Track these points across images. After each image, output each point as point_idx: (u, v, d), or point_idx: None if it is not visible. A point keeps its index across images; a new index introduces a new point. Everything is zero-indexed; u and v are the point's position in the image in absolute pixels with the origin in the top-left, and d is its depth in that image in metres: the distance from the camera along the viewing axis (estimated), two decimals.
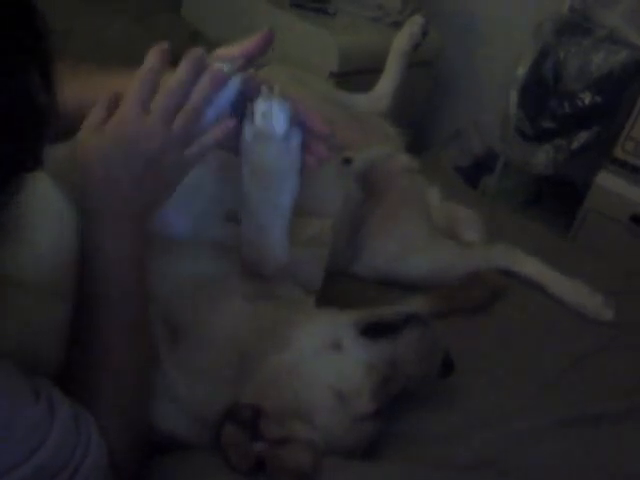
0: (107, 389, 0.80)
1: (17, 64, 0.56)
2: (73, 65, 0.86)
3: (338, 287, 1.22)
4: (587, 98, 1.95)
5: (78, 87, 0.88)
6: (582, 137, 1.99)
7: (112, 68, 0.93)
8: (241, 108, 0.87)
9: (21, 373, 0.70)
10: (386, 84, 1.65)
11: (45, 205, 0.87)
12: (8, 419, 0.65)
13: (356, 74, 1.95)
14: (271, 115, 0.87)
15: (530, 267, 1.44)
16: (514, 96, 2.06)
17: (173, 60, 0.89)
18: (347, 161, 1.37)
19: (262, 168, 0.90)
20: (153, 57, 0.81)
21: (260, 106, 0.87)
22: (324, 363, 0.93)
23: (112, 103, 0.80)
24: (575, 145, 2.00)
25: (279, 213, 0.94)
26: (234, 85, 0.84)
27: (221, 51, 0.89)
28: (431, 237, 1.42)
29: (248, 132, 0.88)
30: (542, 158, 2.05)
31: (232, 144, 0.90)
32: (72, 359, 0.81)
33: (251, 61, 0.87)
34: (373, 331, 0.95)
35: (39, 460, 0.66)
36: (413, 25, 1.65)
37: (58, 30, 0.62)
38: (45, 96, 0.59)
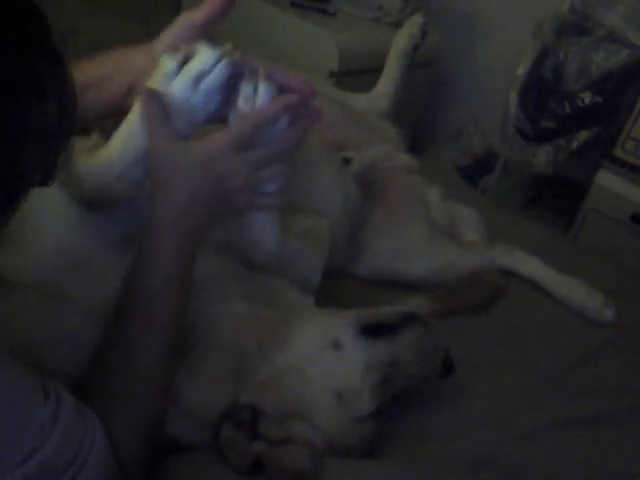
0: (126, 386, 0.81)
1: (33, 89, 0.57)
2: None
3: (338, 287, 1.22)
4: (587, 98, 1.95)
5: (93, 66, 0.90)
6: (582, 137, 1.99)
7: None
8: (230, 92, 0.86)
9: (31, 373, 0.70)
10: (386, 84, 1.65)
11: (48, 207, 0.87)
12: (20, 421, 0.66)
13: (356, 74, 1.95)
14: (255, 98, 0.85)
15: (530, 267, 1.44)
16: (514, 96, 2.06)
17: None
18: (347, 161, 1.37)
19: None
20: (272, 110, 0.84)
21: (244, 89, 0.86)
22: (323, 363, 0.92)
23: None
24: (575, 145, 2.00)
25: (264, 193, 0.94)
26: (222, 69, 0.83)
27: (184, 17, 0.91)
28: (431, 237, 1.42)
29: (232, 115, 0.87)
30: (542, 158, 2.04)
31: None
32: (97, 353, 0.81)
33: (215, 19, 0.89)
34: (372, 331, 0.95)
35: (42, 457, 0.67)
36: (413, 25, 1.65)
37: (60, 30, 0.62)
38: (60, 120, 0.61)
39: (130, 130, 0.84)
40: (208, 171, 0.82)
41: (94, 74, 0.89)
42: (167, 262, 0.81)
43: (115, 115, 0.90)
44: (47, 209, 0.88)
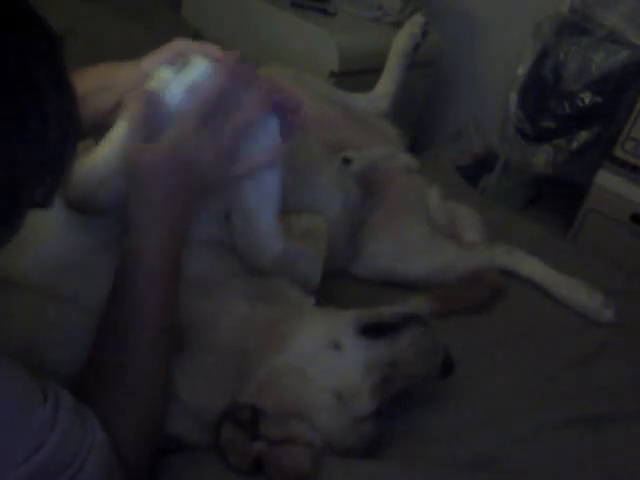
0: (125, 386, 0.81)
1: (35, 110, 0.58)
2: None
3: (338, 287, 1.22)
4: (587, 98, 1.95)
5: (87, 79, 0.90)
6: (582, 137, 1.99)
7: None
8: None
9: (30, 374, 0.70)
10: (386, 84, 1.65)
11: None
12: (19, 421, 0.66)
13: (356, 74, 1.95)
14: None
15: (530, 267, 1.44)
16: (514, 96, 2.06)
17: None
18: (347, 161, 1.37)
19: (242, 152, 0.91)
20: (220, 78, 0.85)
21: None
22: (323, 363, 0.93)
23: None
24: (575, 145, 2.00)
25: (264, 195, 0.95)
26: (215, 78, 0.85)
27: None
28: (431, 237, 1.42)
29: None
30: (542, 158, 2.04)
31: None
32: (94, 355, 0.82)
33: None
34: (372, 331, 0.95)
35: (42, 457, 0.67)
36: (413, 25, 1.65)
37: (59, 31, 0.63)
38: (62, 145, 0.62)
39: (116, 138, 0.85)
40: (175, 160, 0.82)
41: (82, 88, 0.90)
42: (152, 258, 0.82)
43: (100, 131, 0.91)
44: (48, 212, 0.88)
